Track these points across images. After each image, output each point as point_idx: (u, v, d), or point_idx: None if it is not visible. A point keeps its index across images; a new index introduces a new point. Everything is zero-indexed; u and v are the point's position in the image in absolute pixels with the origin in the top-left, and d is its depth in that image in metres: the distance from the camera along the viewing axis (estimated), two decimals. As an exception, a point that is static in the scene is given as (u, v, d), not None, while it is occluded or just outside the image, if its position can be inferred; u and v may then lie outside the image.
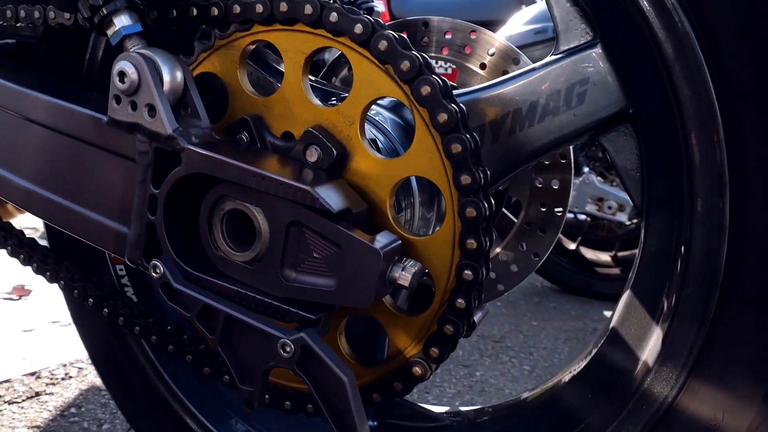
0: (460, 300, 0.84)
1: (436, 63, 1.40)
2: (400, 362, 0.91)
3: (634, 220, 3.43)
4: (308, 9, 0.85)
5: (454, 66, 1.39)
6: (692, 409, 0.84)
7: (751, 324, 0.80)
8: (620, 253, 3.60)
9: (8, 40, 1.26)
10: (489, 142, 1.00)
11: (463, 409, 1.19)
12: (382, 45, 0.82)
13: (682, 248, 0.86)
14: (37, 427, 1.71)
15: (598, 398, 0.94)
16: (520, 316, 3.07)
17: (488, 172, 0.84)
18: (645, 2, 0.84)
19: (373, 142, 0.97)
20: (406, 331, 0.90)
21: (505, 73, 1.33)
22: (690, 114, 0.83)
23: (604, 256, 3.68)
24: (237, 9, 0.89)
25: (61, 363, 2.08)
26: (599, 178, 3.40)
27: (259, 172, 0.81)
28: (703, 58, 0.79)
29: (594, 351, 0.98)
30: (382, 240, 0.81)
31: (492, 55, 1.34)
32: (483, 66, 1.35)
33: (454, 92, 0.99)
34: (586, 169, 3.34)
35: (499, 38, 1.35)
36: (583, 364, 0.99)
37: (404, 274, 0.80)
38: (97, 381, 1.94)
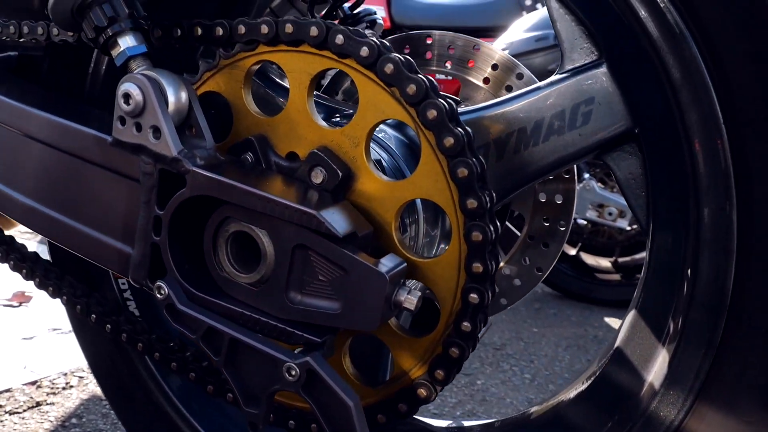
0: (465, 323, 0.84)
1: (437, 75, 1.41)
2: (404, 383, 0.91)
3: (635, 226, 3.43)
4: (314, 31, 0.84)
5: (452, 77, 1.39)
6: (699, 434, 0.84)
7: (759, 349, 0.79)
8: (621, 259, 3.60)
9: (10, 52, 1.26)
10: (493, 160, 1.00)
11: (466, 424, 1.18)
12: (388, 68, 0.81)
13: (689, 271, 0.86)
14: (39, 437, 1.72)
15: (604, 419, 0.94)
16: (520, 322, 3.07)
17: (494, 196, 0.83)
18: (652, 25, 0.83)
19: (378, 163, 0.97)
20: (411, 352, 0.90)
21: (509, 87, 1.33)
22: (697, 137, 0.83)
23: (605, 262, 3.67)
24: (242, 29, 0.89)
25: (61, 372, 2.07)
26: (600, 184, 3.40)
27: (265, 195, 0.81)
28: (711, 83, 0.79)
29: (599, 370, 0.98)
30: (387, 263, 0.81)
31: (495, 70, 1.34)
32: (486, 80, 1.35)
33: (459, 110, 1.00)
34: (586, 176, 3.34)
35: (503, 52, 1.35)
36: (588, 382, 0.99)
37: (410, 298, 0.80)
38: (98, 390, 1.93)
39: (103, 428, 1.77)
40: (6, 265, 1.21)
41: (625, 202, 3.16)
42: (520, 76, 1.32)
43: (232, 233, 0.86)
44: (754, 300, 0.80)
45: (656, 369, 0.88)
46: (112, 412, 1.79)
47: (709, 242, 0.84)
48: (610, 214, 3.33)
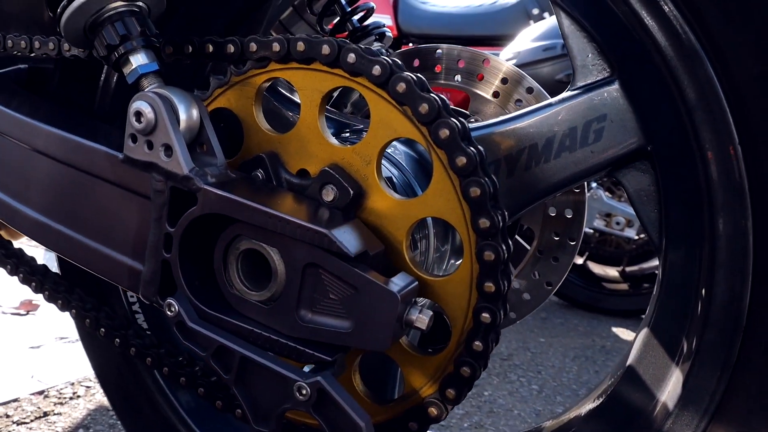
0: (477, 342, 0.84)
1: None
2: (415, 402, 0.91)
3: (642, 236, 3.42)
4: (326, 49, 0.84)
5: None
6: (714, 456, 0.83)
7: (775, 372, 0.79)
8: (628, 269, 3.59)
9: (21, 65, 1.26)
10: (504, 176, 0.99)
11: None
12: (401, 87, 0.81)
13: (703, 290, 0.85)
14: (46, 448, 1.71)
15: (617, 438, 0.94)
16: (527, 332, 3.06)
17: (506, 214, 0.83)
18: (665, 43, 0.83)
19: (389, 180, 0.97)
20: (422, 370, 0.90)
21: (518, 101, 1.33)
22: (712, 155, 0.83)
23: (612, 272, 3.67)
24: (253, 47, 0.89)
25: (68, 381, 2.07)
26: (607, 193, 3.39)
27: (276, 213, 0.80)
28: (726, 101, 0.78)
29: (610, 387, 0.97)
30: (398, 282, 0.80)
31: (505, 83, 1.34)
32: (496, 94, 1.34)
33: (469, 126, 0.99)
34: (594, 185, 3.33)
35: (512, 66, 1.34)
36: (600, 400, 0.98)
37: (421, 317, 0.80)
38: (105, 401, 1.93)
39: (109, 439, 1.77)
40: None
41: (632, 212, 3.16)
42: (529, 90, 1.32)
43: (242, 251, 0.85)
44: (770, 322, 0.79)
45: (670, 389, 0.88)
46: (119, 423, 1.78)
47: (724, 261, 0.83)
48: (617, 223, 3.32)
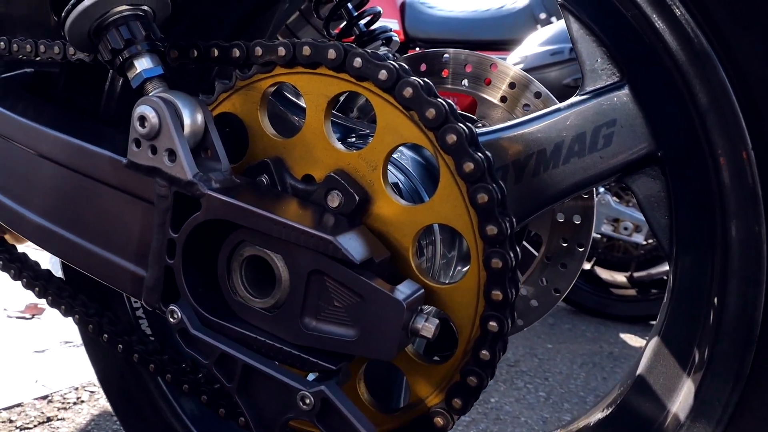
0: (484, 351, 0.82)
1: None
2: (420, 411, 0.89)
3: (651, 241, 3.39)
4: (332, 54, 0.83)
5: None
6: (726, 469, 0.82)
7: (789, 383, 0.77)
8: (636, 274, 3.57)
9: (27, 69, 1.25)
10: (512, 182, 0.98)
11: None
12: (407, 92, 0.80)
13: (715, 299, 0.83)
14: (49, 454, 1.71)
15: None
16: (534, 338, 3.04)
17: (514, 221, 0.82)
18: (676, 47, 0.82)
19: (395, 186, 0.96)
20: (428, 379, 0.88)
21: (526, 106, 1.31)
22: (724, 160, 0.81)
23: (620, 277, 3.64)
24: (259, 51, 0.88)
25: (72, 386, 2.06)
26: (615, 198, 3.38)
27: (280, 220, 0.79)
28: (738, 106, 0.77)
29: (620, 397, 0.95)
30: (404, 290, 0.79)
31: (512, 88, 1.33)
32: (503, 99, 1.33)
33: (477, 131, 0.98)
34: (602, 190, 3.31)
35: (520, 70, 1.33)
36: (610, 409, 0.96)
37: (427, 326, 0.78)
38: (109, 406, 1.91)
39: (113, 445, 1.77)
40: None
41: (640, 216, 3.15)
42: (537, 95, 1.31)
43: (246, 257, 0.84)
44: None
45: (681, 400, 0.86)
46: (122, 429, 1.77)
47: (737, 269, 0.82)
48: (625, 228, 3.30)
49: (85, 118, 1.13)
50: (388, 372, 0.98)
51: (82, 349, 1.89)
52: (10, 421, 1.82)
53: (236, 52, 0.90)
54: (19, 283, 1.21)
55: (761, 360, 0.78)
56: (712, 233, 0.84)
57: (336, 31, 1.51)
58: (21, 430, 1.79)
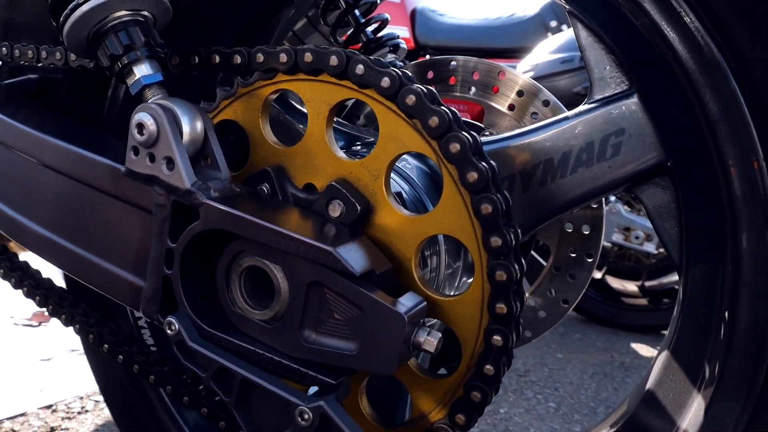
0: (488, 366, 0.80)
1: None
2: (423, 426, 0.87)
3: (662, 250, 3.36)
4: (334, 60, 0.81)
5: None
6: (737, 488, 0.79)
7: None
8: (647, 283, 3.53)
9: (31, 75, 1.25)
10: (519, 192, 0.96)
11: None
12: (410, 99, 0.78)
13: (726, 313, 0.81)
14: (52, 464, 1.69)
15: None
16: (544, 348, 3.01)
17: (519, 232, 0.80)
18: (686, 55, 0.79)
19: (398, 195, 0.94)
20: (431, 394, 0.86)
21: (534, 114, 1.29)
22: (735, 170, 0.79)
23: (631, 286, 3.61)
24: (260, 58, 0.87)
25: (77, 395, 2.05)
26: (626, 207, 3.35)
27: (279, 230, 0.77)
28: (750, 116, 0.75)
29: (629, 412, 0.93)
30: (406, 303, 0.77)
31: (521, 96, 1.31)
32: (511, 107, 1.31)
33: (483, 139, 0.96)
34: (612, 198, 3.28)
35: (528, 78, 1.31)
36: (618, 425, 0.94)
37: (430, 339, 0.76)
38: (114, 415, 1.91)
39: (117, 455, 1.75)
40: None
41: (652, 226, 3.12)
42: (546, 103, 1.29)
43: (245, 268, 0.83)
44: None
45: (691, 416, 0.84)
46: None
47: (748, 282, 0.79)
48: (636, 237, 3.28)
49: (87, 126, 1.12)
50: (392, 385, 0.96)
51: (88, 357, 1.88)
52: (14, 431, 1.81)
53: (237, 59, 0.89)
54: (22, 290, 1.20)
55: (774, 377, 0.76)
56: (722, 245, 0.82)
57: (343, 38, 1.50)
58: (24, 439, 1.78)
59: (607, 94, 0.91)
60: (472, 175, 0.77)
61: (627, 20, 0.85)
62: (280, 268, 0.80)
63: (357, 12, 1.47)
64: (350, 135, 1.13)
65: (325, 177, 0.86)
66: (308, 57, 0.84)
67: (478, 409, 0.83)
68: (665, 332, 0.91)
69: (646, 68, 0.86)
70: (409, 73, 0.81)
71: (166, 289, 0.86)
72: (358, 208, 0.82)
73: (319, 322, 0.79)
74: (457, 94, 1.37)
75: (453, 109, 0.79)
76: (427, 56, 3.89)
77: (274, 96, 0.90)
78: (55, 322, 2.54)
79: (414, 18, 4.07)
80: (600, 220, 1.26)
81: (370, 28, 1.48)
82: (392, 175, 0.97)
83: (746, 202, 0.79)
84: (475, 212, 0.78)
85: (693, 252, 0.86)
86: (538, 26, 3.71)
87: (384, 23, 1.50)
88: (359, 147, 1.11)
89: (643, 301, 3.52)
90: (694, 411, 0.84)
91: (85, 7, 0.84)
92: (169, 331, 0.84)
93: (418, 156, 1.04)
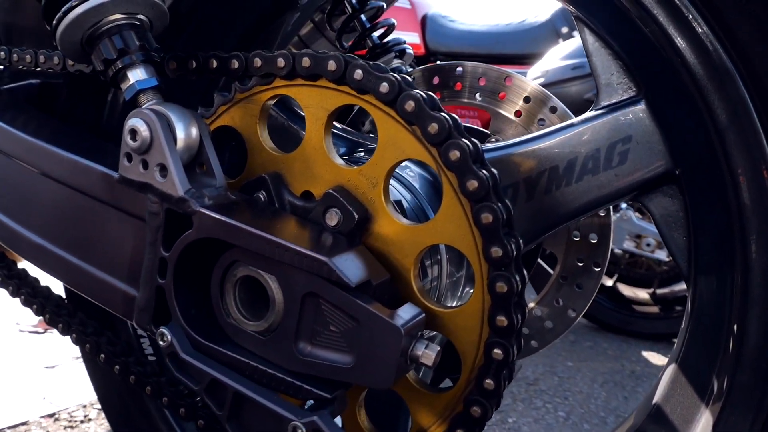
0: (488, 380, 0.78)
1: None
2: (423, 441, 0.85)
3: (673, 258, 3.32)
4: (332, 65, 0.79)
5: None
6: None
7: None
8: (659, 291, 3.49)
9: (32, 80, 1.23)
10: (523, 200, 0.94)
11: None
12: (409, 105, 0.76)
13: (735, 326, 0.78)
14: (52, 474, 1.68)
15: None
16: (554, 356, 2.97)
17: (521, 242, 0.77)
18: (695, 61, 0.77)
19: (398, 204, 0.92)
20: (430, 408, 0.84)
21: (541, 121, 1.27)
22: (744, 179, 0.76)
23: (643, 294, 3.56)
24: (258, 63, 0.85)
25: (81, 404, 2.04)
26: (637, 214, 3.31)
27: (274, 240, 0.75)
28: (759, 123, 0.72)
29: (636, 426, 0.90)
30: (403, 315, 0.75)
31: (527, 102, 1.28)
32: (518, 113, 1.29)
33: (487, 146, 0.94)
34: (623, 206, 3.25)
35: (535, 84, 1.29)
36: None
37: (427, 353, 0.74)
38: (117, 423, 1.89)
39: (119, 464, 1.73)
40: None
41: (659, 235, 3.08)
42: (553, 109, 1.26)
43: (240, 278, 0.81)
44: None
45: (699, 432, 0.81)
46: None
47: (758, 294, 0.77)
48: (648, 245, 3.24)
49: (85, 132, 1.11)
50: (392, 398, 0.93)
51: (93, 364, 1.86)
52: (15, 440, 1.80)
53: (235, 63, 0.87)
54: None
55: (785, 395, 0.73)
56: (731, 255, 0.79)
57: (349, 43, 1.48)
58: (25, 448, 1.77)
59: (614, 101, 0.89)
60: (472, 184, 0.74)
61: (634, 25, 0.83)
62: (274, 278, 0.78)
63: (363, 17, 1.45)
64: (352, 141, 1.11)
65: (322, 184, 0.84)
66: (306, 62, 0.82)
67: (478, 424, 0.80)
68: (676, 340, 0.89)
69: (654, 74, 0.84)
70: (409, 79, 0.79)
71: (160, 299, 0.84)
72: (356, 216, 0.80)
73: (315, 334, 0.77)
74: (465, 100, 1.35)
75: (454, 115, 0.77)
76: (437, 62, 3.88)
77: (272, 101, 0.88)
78: (61, 329, 2.54)
79: (425, 24, 4.06)
80: (608, 228, 1.23)
81: (376, 34, 1.46)
82: (393, 182, 0.94)
83: (756, 211, 0.77)
84: (475, 221, 0.76)
85: (701, 262, 0.83)
86: (549, 32, 3.68)
87: (390, 28, 1.48)
88: (362, 154, 1.09)
89: (655, 309, 3.48)
90: (701, 427, 0.81)
91: (78, 10, 0.82)
92: (161, 343, 0.82)
93: (420, 163, 1.02)
